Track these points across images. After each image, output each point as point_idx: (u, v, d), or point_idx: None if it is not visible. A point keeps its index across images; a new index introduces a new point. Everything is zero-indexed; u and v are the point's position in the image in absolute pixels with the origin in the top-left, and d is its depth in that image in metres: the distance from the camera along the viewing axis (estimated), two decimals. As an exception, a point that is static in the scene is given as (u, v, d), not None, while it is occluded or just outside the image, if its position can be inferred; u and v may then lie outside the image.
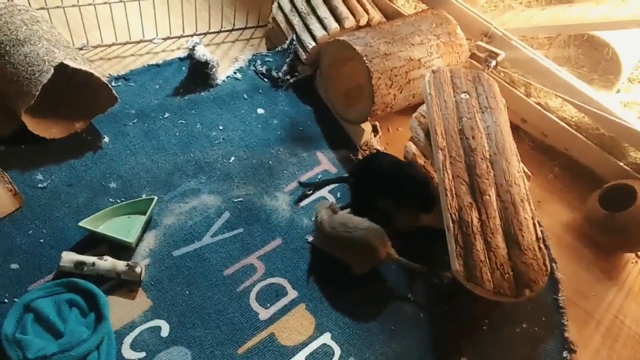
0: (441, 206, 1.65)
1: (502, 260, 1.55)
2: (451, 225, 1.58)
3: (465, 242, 1.56)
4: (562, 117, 2.17)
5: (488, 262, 1.54)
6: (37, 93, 1.69)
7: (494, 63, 2.04)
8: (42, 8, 2.06)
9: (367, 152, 2.06)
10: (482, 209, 1.61)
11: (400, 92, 1.99)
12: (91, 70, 1.79)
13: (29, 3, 2.02)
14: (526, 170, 1.80)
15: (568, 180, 2.17)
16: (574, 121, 2.16)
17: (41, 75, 1.71)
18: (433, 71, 1.89)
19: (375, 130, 2.12)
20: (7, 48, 1.77)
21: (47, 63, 1.73)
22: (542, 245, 1.61)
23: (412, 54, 1.99)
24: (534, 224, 1.63)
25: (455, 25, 2.11)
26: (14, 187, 1.71)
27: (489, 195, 1.64)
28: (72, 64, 1.75)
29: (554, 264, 1.91)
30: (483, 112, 1.80)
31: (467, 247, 1.55)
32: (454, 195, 1.63)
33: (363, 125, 2.06)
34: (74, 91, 1.90)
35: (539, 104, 2.18)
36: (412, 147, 1.98)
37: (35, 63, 1.74)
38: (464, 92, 1.85)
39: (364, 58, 1.90)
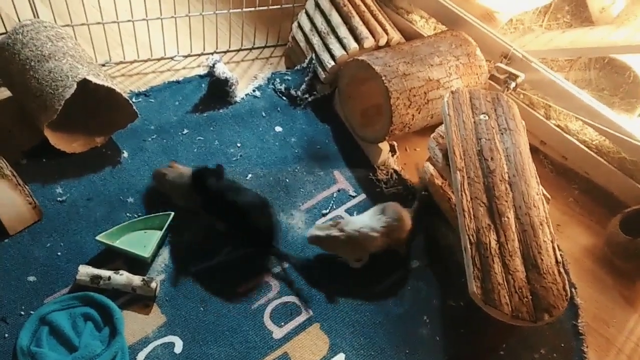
0: (459, 227, 1.63)
1: (521, 284, 1.52)
2: (469, 247, 1.57)
3: (483, 264, 1.54)
4: (583, 140, 2.14)
5: (506, 285, 1.52)
6: (60, 108, 1.71)
7: (513, 85, 2.03)
8: (67, 25, 2.10)
9: (384, 171, 2.06)
10: (500, 231, 1.59)
11: (419, 113, 1.99)
12: (112, 86, 1.81)
13: (55, 20, 2.07)
14: (545, 193, 1.78)
15: (588, 204, 2.13)
16: (594, 144, 2.13)
17: (64, 90, 1.73)
18: (452, 92, 1.88)
19: (392, 150, 2.12)
20: (32, 63, 1.80)
21: (70, 79, 1.76)
22: (561, 270, 1.58)
23: (431, 74, 1.99)
24: (554, 248, 1.61)
25: (474, 46, 2.11)
26: (33, 200, 1.73)
27: (508, 218, 1.62)
28: (94, 80, 1.77)
29: (573, 289, 1.87)
30: (502, 134, 1.79)
31: (485, 269, 1.53)
32: (472, 217, 1.61)
33: (381, 145, 2.06)
34: (96, 107, 1.93)
35: (559, 126, 2.16)
36: (430, 168, 1.97)
37: (59, 78, 1.76)
38: (483, 113, 1.84)
39: (383, 78, 1.90)
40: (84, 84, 1.77)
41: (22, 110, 1.92)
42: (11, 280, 1.62)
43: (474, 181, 1.68)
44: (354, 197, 1.98)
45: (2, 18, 1.99)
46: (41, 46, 1.84)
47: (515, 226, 1.61)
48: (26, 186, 1.74)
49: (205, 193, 1.75)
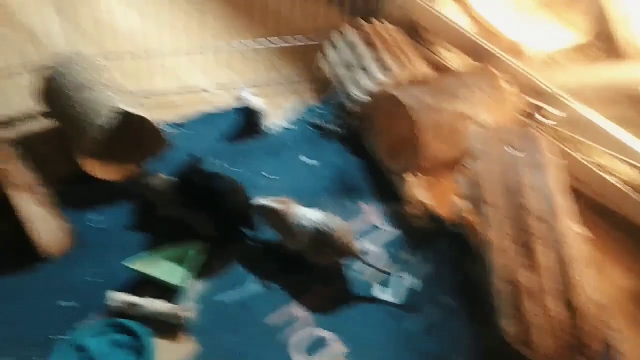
0: (490, 264, 1.62)
1: (556, 324, 1.50)
2: (501, 285, 1.55)
3: (516, 303, 1.52)
4: (620, 178, 2.11)
5: (540, 325, 1.49)
6: (96, 137, 1.76)
7: (544, 120, 2.03)
8: (107, 58, 2.17)
9: (412, 204, 2.06)
10: (533, 269, 1.58)
11: (447, 146, 2.00)
12: (146, 116, 1.86)
13: (96, 53, 2.14)
14: (580, 231, 1.76)
15: (626, 243, 2.08)
16: (630, 182, 2.10)
17: (100, 120, 1.79)
18: (481, 126, 1.89)
19: (421, 183, 2.12)
20: (72, 93, 1.87)
21: (106, 109, 1.81)
22: (599, 311, 1.54)
23: (459, 108, 2.01)
24: (590, 288, 1.58)
25: (503, 81, 2.12)
26: (70, 226, 1.77)
27: (541, 256, 1.60)
28: (129, 110, 1.83)
29: (612, 332, 1.83)
30: (533, 169, 1.79)
31: (518, 308, 1.51)
32: (504, 254, 1.60)
33: (410, 178, 2.07)
34: (130, 136, 1.98)
35: (592, 163, 2.13)
36: (460, 202, 1.97)
37: (96, 108, 1.82)
38: (513, 148, 1.84)
39: (411, 111, 1.92)
40: (120, 113, 1.82)
41: (62, 139, 1.98)
42: (46, 305, 1.65)
43: (505, 217, 1.67)
44: (382, 229, 1.98)
45: (43, 51, 2.07)
46: (80, 77, 1.91)
47: (549, 264, 1.60)
48: (63, 212, 1.78)
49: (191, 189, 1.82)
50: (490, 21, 2.31)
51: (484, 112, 2.06)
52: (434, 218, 2.03)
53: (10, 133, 2.06)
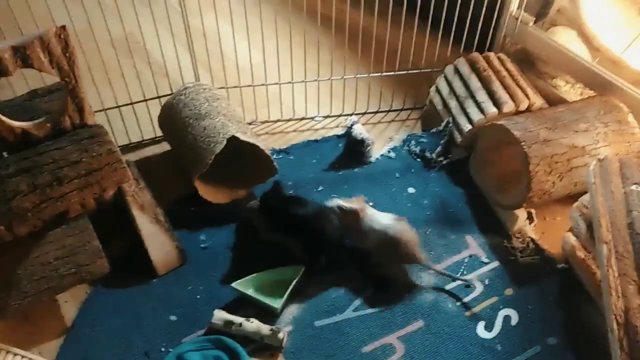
0: (604, 305, 1.50)
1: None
2: (616, 328, 1.43)
3: (632, 349, 1.39)
4: None
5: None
6: (210, 161, 1.87)
7: (671, 154, 1.87)
8: (222, 87, 2.32)
9: (519, 239, 1.96)
10: (653, 314, 1.44)
11: (561, 180, 1.89)
12: (257, 143, 1.95)
13: (212, 82, 2.29)
14: None
15: None
16: None
17: (215, 146, 1.89)
18: (599, 160, 1.77)
19: (530, 217, 2.02)
20: (191, 121, 2.00)
21: (221, 135, 1.92)
22: None
23: (575, 141, 1.90)
24: None
25: (626, 113, 1.98)
26: (180, 245, 1.88)
27: (663, 300, 1.46)
28: (241, 137, 1.92)
29: None
30: (657, 207, 1.64)
31: (635, 355, 1.38)
32: (620, 295, 1.48)
33: (517, 212, 1.98)
34: (243, 161, 2.07)
35: None
36: (572, 239, 1.85)
37: (212, 135, 1.94)
38: (635, 184, 1.70)
39: (522, 143, 1.85)
40: (233, 140, 1.92)
41: (178, 163, 2.12)
42: (156, 317, 1.76)
43: (623, 256, 1.54)
44: (486, 263, 1.90)
45: (169, 81, 2.25)
46: (199, 106, 2.04)
47: (672, 310, 1.45)
48: (174, 232, 1.90)
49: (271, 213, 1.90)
50: (615, 50, 2.18)
51: (604, 146, 1.93)
52: (542, 254, 1.92)
53: (134, 156, 2.24)
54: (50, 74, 1.61)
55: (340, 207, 1.83)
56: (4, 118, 1.61)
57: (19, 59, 1.54)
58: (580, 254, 1.80)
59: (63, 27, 1.59)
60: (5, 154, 1.67)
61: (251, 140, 1.95)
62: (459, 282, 1.84)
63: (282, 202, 1.92)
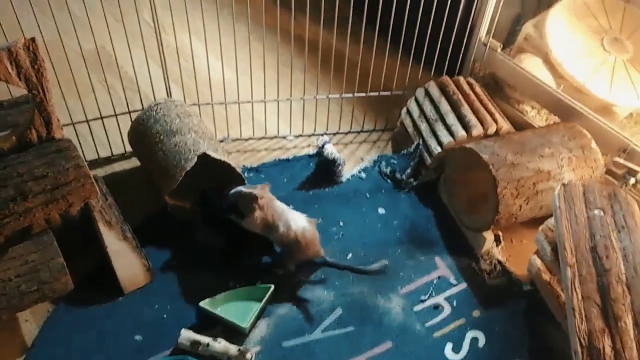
0: (569, 328, 1.53)
1: (640, 399, 1.38)
2: (579, 350, 1.45)
3: (596, 371, 1.42)
4: None
5: (622, 398, 1.38)
6: (180, 178, 1.85)
7: (632, 181, 1.93)
8: (194, 104, 2.31)
9: (487, 261, 1.99)
10: (616, 336, 1.47)
11: (527, 203, 1.93)
12: (228, 161, 1.94)
13: (184, 98, 2.28)
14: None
15: None
16: None
17: (186, 162, 1.88)
18: (564, 184, 1.82)
19: (497, 240, 2.05)
20: (162, 137, 1.98)
21: (192, 152, 1.91)
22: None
23: (541, 165, 1.94)
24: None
25: (589, 139, 2.04)
26: (148, 262, 1.85)
27: (625, 323, 1.49)
28: (212, 154, 1.91)
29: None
30: (619, 232, 1.69)
31: (598, 378, 1.41)
32: (584, 318, 1.51)
33: (485, 234, 2.01)
34: (212, 179, 2.06)
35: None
36: (537, 262, 1.88)
37: (183, 152, 1.92)
38: (598, 209, 1.75)
39: (490, 166, 1.88)
40: (204, 157, 1.90)
41: (147, 179, 2.09)
42: (120, 337, 1.72)
43: (587, 279, 1.58)
44: (454, 285, 1.92)
45: (140, 96, 2.23)
46: (170, 122, 2.03)
47: (634, 333, 1.48)
48: (142, 249, 1.87)
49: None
50: (578, 78, 2.25)
51: (568, 171, 1.98)
52: (509, 276, 1.95)
53: (102, 171, 2.20)
54: (18, 86, 1.58)
55: (239, 192, 1.83)
56: (-33, 130, 1.57)
57: (-15, 70, 1.50)
58: (546, 276, 1.84)
59: (32, 39, 1.56)
60: (-33, 167, 1.63)
61: (222, 157, 1.94)
62: (428, 304, 1.85)
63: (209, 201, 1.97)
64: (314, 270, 1.91)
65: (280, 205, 1.87)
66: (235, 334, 1.73)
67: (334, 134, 2.46)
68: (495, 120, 2.15)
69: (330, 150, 2.21)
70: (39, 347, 1.68)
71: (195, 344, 1.67)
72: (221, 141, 2.38)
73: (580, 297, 1.55)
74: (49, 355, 1.67)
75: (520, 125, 2.27)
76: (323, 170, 2.24)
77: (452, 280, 1.93)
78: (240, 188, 1.84)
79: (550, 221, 1.85)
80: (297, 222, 1.83)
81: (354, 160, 2.36)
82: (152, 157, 1.99)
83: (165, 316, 1.78)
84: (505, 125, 2.16)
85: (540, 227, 1.88)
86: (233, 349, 1.67)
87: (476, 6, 2.26)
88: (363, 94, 2.39)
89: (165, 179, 1.91)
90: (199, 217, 1.99)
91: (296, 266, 1.87)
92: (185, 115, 2.08)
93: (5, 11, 1.83)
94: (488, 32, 2.33)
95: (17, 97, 1.85)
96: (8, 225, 1.56)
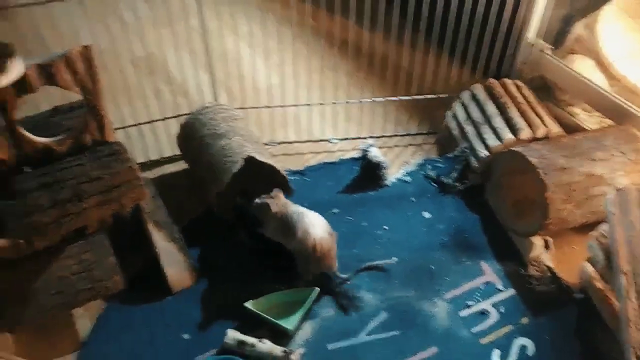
0: (622, 337, 1.48)
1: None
2: (634, 361, 1.41)
3: (652, 383, 1.37)
4: None
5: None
6: (228, 181, 1.88)
7: (691, 185, 1.85)
8: (240, 108, 2.34)
9: (535, 267, 1.95)
10: (674, 348, 1.42)
11: (578, 209, 1.88)
12: (273, 164, 1.96)
13: (230, 102, 2.32)
14: None
15: None
16: None
17: (233, 165, 1.91)
18: (618, 189, 1.76)
19: (547, 245, 2.00)
20: (209, 140, 2.02)
21: (238, 155, 1.94)
22: None
23: (593, 169, 1.89)
24: None
25: (645, 142, 1.97)
26: (195, 263, 1.88)
27: (683, 334, 1.44)
28: (258, 157, 1.94)
29: None
30: (677, 238, 1.63)
31: (654, 390, 1.36)
32: (639, 328, 1.46)
33: (533, 239, 1.96)
34: (257, 181, 2.08)
35: None
36: (590, 269, 1.83)
37: (229, 154, 1.95)
38: (654, 215, 1.69)
39: (539, 170, 1.84)
40: (250, 160, 1.93)
41: (194, 181, 2.14)
42: (169, 335, 1.76)
43: (642, 288, 1.52)
44: (501, 290, 1.89)
45: (188, 101, 2.28)
46: (217, 125, 2.07)
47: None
48: (189, 250, 1.90)
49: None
50: (631, 78, 2.18)
51: (622, 176, 1.92)
52: (559, 283, 1.90)
53: (152, 174, 2.26)
54: (74, 92, 1.65)
55: (254, 203, 1.86)
56: (26, 134, 1.64)
57: (43, 76, 1.57)
58: (598, 284, 1.78)
59: (87, 47, 1.62)
60: (27, 169, 1.70)
61: (267, 160, 1.96)
62: (474, 310, 1.83)
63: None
64: (352, 276, 1.91)
65: (297, 211, 1.85)
66: (280, 335, 1.75)
67: (379, 137, 2.45)
68: (545, 123, 2.10)
69: (375, 153, 2.21)
70: (92, 344, 1.74)
71: (241, 344, 1.69)
72: (267, 144, 2.40)
73: (635, 306, 1.50)
74: (102, 352, 1.72)
75: (571, 129, 2.21)
76: (368, 173, 2.23)
77: (499, 286, 1.90)
78: (256, 199, 1.85)
79: (604, 227, 1.80)
80: (316, 230, 1.81)
81: (399, 164, 2.35)
82: (199, 159, 2.04)
83: (212, 316, 1.81)
84: (555, 129, 2.11)
85: (593, 233, 1.82)
86: (278, 350, 1.68)
87: (525, 6, 2.22)
88: (408, 97, 2.38)
89: (213, 182, 1.95)
90: (237, 219, 2.02)
91: (312, 278, 1.85)
92: (231, 119, 2.11)
93: (63, 20, 1.90)
94: (537, 33, 2.29)
95: (72, 103, 1.92)
96: (65, 225, 1.63)
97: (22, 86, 1.54)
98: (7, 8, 1.83)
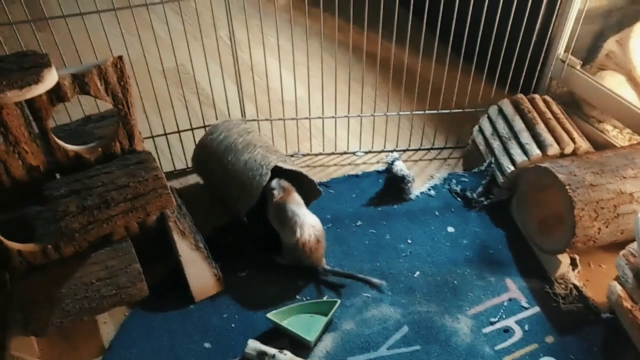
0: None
1: None
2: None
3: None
4: None
5: None
6: (259, 194, 1.90)
7: None
8: (266, 119, 2.37)
9: (562, 285, 1.91)
10: None
11: (607, 227, 1.84)
12: (299, 170, 1.98)
13: (257, 114, 2.34)
14: None
15: None
16: None
17: (260, 178, 1.92)
18: (648, 208, 1.73)
19: (573, 263, 1.97)
20: (230, 157, 2.03)
21: (264, 167, 1.95)
22: None
23: (623, 187, 1.85)
24: None
25: (677, 160, 1.93)
26: (218, 272, 1.90)
27: None
28: (284, 166, 1.95)
29: None
30: None
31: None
32: (668, 351, 1.42)
33: (560, 257, 1.93)
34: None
35: None
36: (618, 288, 1.79)
37: (254, 168, 1.96)
38: (686, 234, 1.65)
39: (567, 187, 1.81)
40: (274, 170, 1.95)
41: (213, 195, 2.16)
42: (191, 344, 1.77)
43: (672, 309, 1.48)
44: (526, 308, 1.85)
45: (216, 112, 2.32)
46: (234, 141, 2.07)
47: None
48: (213, 259, 1.92)
49: None
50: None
51: (653, 194, 1.88)
52: (586, 302, 1.86)
53: (177, 183, 2.29)
54: (105, 101, 1.69)
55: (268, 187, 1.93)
56: (59, 141, 1.69)
57: (77, 86, 1.61)
58: (627, 304, 1.74)
59: (120, 58, 1.66)
60: (57, 176, 1.74)
61: (293, 167, 1.98)
62: (498, 326, 1.80)
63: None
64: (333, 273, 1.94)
65: (292, 209, 1.89)
66: (300, 346, 1.74)
67: (404, 151, 2.45)
68: (573, 139, 2.07)
69: (400, 166, 2.20)
70: (116, 349, 1.76)
71: (262, 354, 1.70)
72: (292, 156, 2.42)
73: (664, 328, 1.46)
74: (124, 357, 1.74)
75: (600, 145, 2.17)
76: (392, 186, 2.23)
77: (524, 304, 1.87)
78: (271, 183, 1.93)
79: (633, 246, 1.76)
80: (304, 230, 1.86)
81: (424, 178, 2.34)
82: (222, 175, 2.05)
83: (233, 325, 1.82)
84: (583, 145, 2.08)
85: (622, 252, 1.78)
86: (298, 361, 1.68)
87: (554, 21, 2.20)
88: (434, 111, 2.38)
89: (241, 197, 1.96)
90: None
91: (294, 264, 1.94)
92: (247, 132, 2.12)
93: (97, 32, 1.95)
94: (567, 49, 2.27)
95: (103, 112, 1.97)
96: (92, 231, 1.66)
97: (56, 95, 1.59)
98: (43, 19, 1.89)
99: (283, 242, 1.94)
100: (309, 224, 1.88)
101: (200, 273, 1.87)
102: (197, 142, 2.18)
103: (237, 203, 1.98)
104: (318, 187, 2.04)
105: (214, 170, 2.10)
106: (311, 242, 1.86)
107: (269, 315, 1.79)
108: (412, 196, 2.23)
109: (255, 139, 2.10)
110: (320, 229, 1.91)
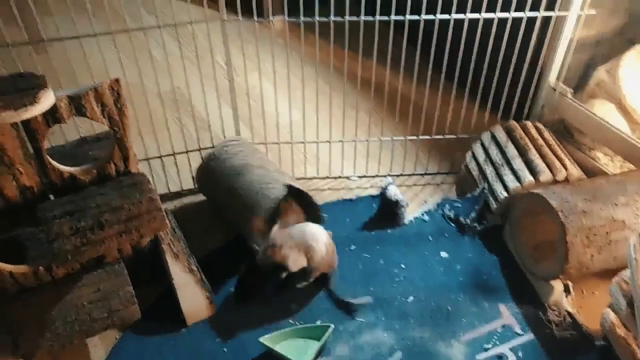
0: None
1: None
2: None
3: None
4: None
5: None
6: (272, 206, 1.92)
7: None
8: (261, 143, 2.38)
9: (555, 311, 1.91)
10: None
11: (599, 253, 1.85)
12: (306, 190, 2.01)
13: (252, 137, 2.36)
14: None
15: None
16: None
17: (270, 192, 1.93)
18: None
19: (567, 290, 1.97)
20: (234, 175, 2.04)
21: (277, 183, 1.96)
22: None
23: (615, 214, 1.87)
24: None
25: (668, 188, 1.95)
26: (211, 295, 1.89)
27: None
28: (294, 184, 1.97)
29: None
30: (701, 287, 1.59)
31: None
32: (662, 378, 1.41)
33: (553, 283, 1.93)
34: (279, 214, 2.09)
35: None
36: (611, 315, 1.79)
37: (265, 182, 1.97)
38: (677, 262, 1.66)
39: (559, 213, 1.83)
40: (289, 187, 1.96)
41: (213, 214, 2.16)
42: (181, 368, 1.75)
43: (665, 337, 1.49)
44: (520, 335, 1.85)
45: (211, 135, 2.33)
46: (241, 160, 2.09)
47: None
48: (206, 282, 1.91)
49: None
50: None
51: (645, 221, 1.89)
52: (579, 329, 1.86)
53: (172, 205, 2.29)
54: (101, 123, 1.69)
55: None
56: (53, 162, 1.68)
57: (73, 107, 1.62)
58: (620, 331, 1.74)
59: (117, 80, 1.67)
60: (51, 197, 1.74)
61: (302, 187, 2.00)
62: (491, 353, 1.79)
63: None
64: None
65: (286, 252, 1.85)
66: (293, 372, 1.73)
67: (398, 176, 2.46)
68: (565, 167, 2.09)
69: (394, 191, 2.21)
70: (105, 373, 1.74)
71: (254, 380, 1.68)
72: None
73: (658, 355, 1.45)
74: (114, 382, 1.72)
75: (592, 172, 2.20)
76: (386, 211, 2.24)
77: (518, 330, 1.86)
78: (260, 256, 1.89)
79: (626, 273, 1.76)
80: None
81: (417, 203, 2.35)
82: (225, 194, 2.05)
83: (225, 350, 1.80)
84: (575, 172, 2.10)
85: (615, 279, 1.79)
86: (291, 387, 1.66)
87: (545, 50, 2.24)
88: (428, 137, 2.40)
89: (250, 211, 1.95)
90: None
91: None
92: (253, 152, 2.14)
93: (94, 54, 1.97)
94: (558, 77, 2.30)
95: (99, 133, 1.98)
96: (85, 253, 1.65)
97: (52, 116, 1.59)
98: (42, 42, 1.90)
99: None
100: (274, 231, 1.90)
101: (192, 296, 1.86)
102: (207, 156, 2.18)
103: (244, 223, 1.98)
104: (321, 213, 2.05)
105: (217, 184, 2.10)
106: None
107: (261, 339, 1.77)
108: (406, 221, 2.23)
109: (262, 160, 2.12)
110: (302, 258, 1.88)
